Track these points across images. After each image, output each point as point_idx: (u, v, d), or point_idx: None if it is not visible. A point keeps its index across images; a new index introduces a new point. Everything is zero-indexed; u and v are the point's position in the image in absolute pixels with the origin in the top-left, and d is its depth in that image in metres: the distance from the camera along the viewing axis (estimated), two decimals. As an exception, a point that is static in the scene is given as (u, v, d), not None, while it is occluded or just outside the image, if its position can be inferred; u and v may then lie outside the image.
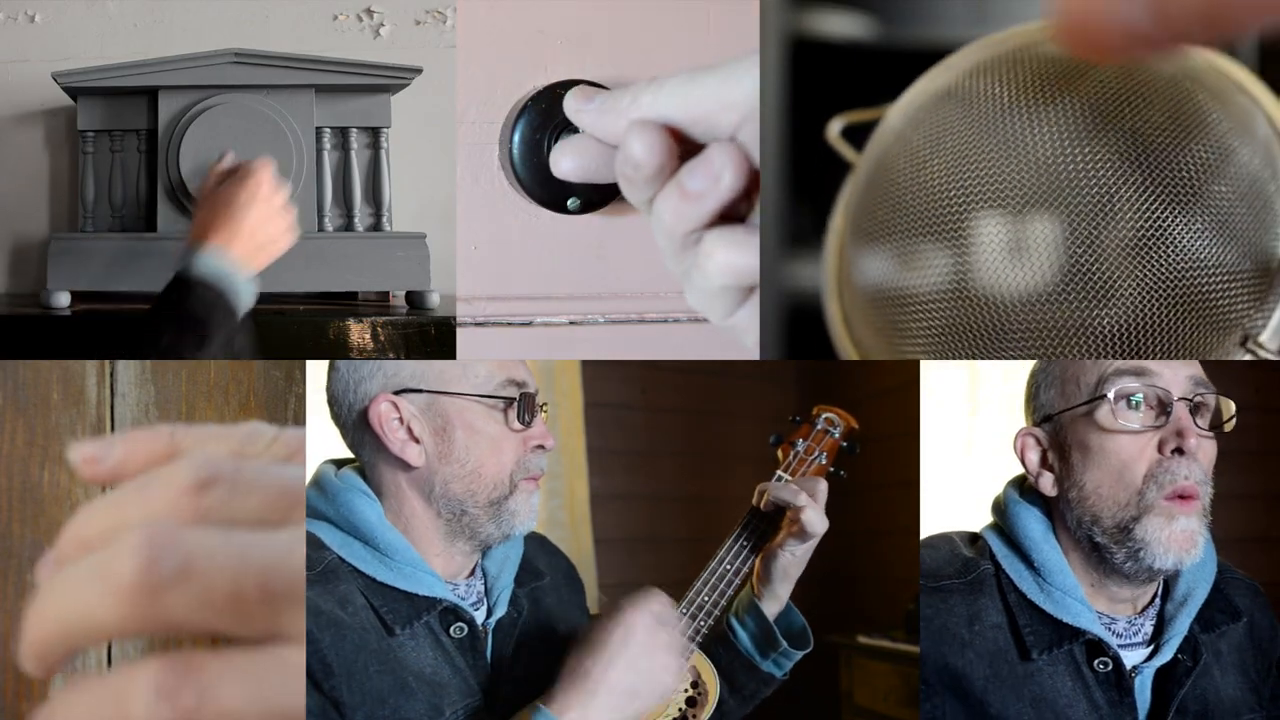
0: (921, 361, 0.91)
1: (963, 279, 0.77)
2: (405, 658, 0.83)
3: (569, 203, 1.00)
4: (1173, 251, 0.74)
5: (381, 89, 1.45)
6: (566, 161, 0.67)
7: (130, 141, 1.46)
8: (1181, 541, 0.82)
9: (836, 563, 1.38)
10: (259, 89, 1.40)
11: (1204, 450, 0.83)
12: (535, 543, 0.99)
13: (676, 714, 0.95)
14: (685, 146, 0.62)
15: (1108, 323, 0.75)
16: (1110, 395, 0.82)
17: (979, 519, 0.91)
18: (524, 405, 0.88)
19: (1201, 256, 0.75)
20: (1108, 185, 0.74)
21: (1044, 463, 0.87)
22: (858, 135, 0.92)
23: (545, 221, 1.02)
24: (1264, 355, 0.78)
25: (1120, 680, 0.83)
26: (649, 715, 0.90)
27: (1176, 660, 0.85)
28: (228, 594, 0.37)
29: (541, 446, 0.90)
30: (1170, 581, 0.87)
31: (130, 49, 1.56)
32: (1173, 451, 0.82)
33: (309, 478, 0.89)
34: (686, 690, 0.96)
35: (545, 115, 0.98)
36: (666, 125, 0.62)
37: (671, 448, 2.23)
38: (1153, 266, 0.74)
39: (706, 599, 0.95)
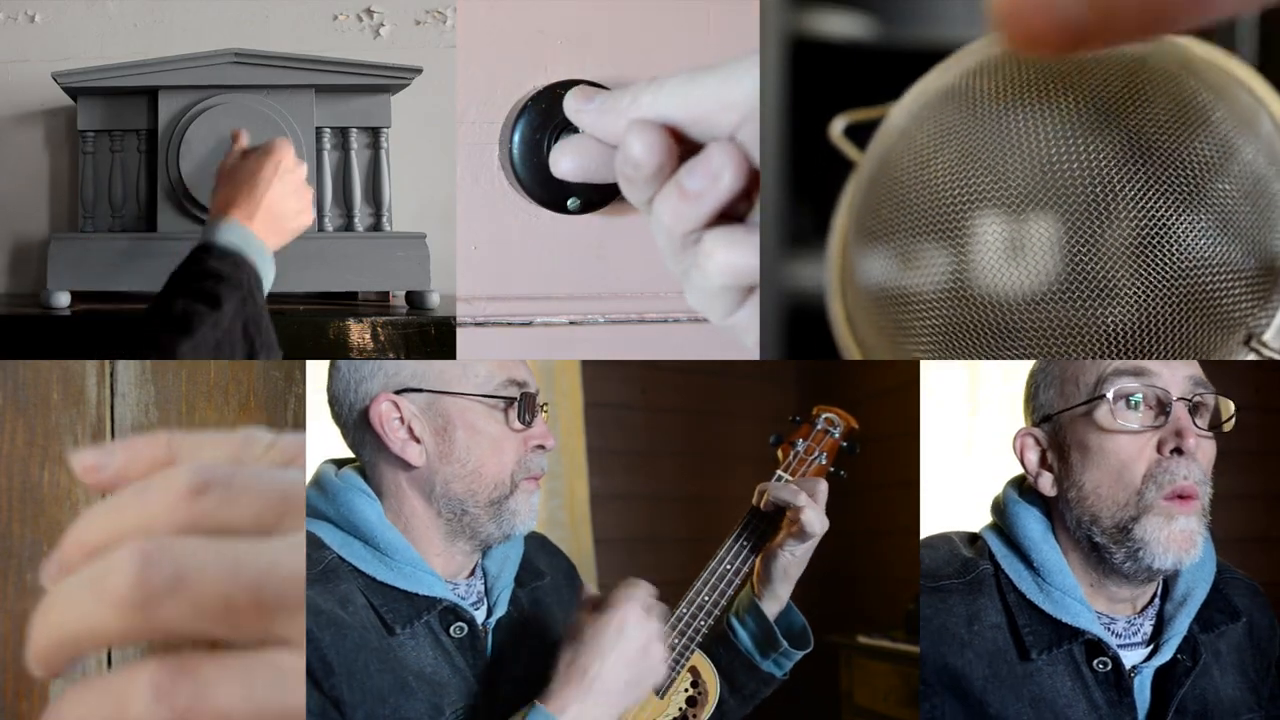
0: (921, 361, 0.91)
1: (967, 278, 0.77)
2: (405, 657, 0.83)
3: (569, 203, 1.00)
4: (1176, 250, 0.74)
5: (381, 89, 1.45)
6: (566, 161, 0.67)
7: (130, 141, 1.46)
8: (1181, 541, 0.82)
9: (836, 563, 1.38)
10: (259, 89, 1.40)
11: (1203, 450, 0.83)
12: (536, 543, 0.99)
13: (677, 714, 0.95)
14: (685, 146, 0.62)
15: (1111, 322, 0.75)
16: (1109, 395, 0.82)
17: (979, 519, 0.91)
18: (524, 405, 0.88)
19: (1205, 255, 0.75)
20: (1110, 184, 0.74)
21: (1043, 463, 0.87)
22: (859, 135, 0.92)
23: (545, 221, 1.02)
24: (1268, 354, 0.78)
25: (1119, 680, 0.83)
26: (649, 714, 0.90)
27: (1176, 660, 0.85)
28: (220, 603, 0.39)
29: (542, 446, 0.90)
30: (1169, 581, 0.87)
31: (130, 49, 1.55)
32: (1172, 451, 0.82)
33: (309, 477, 0.89)
34: (687, 690, 0.96)
35: (545, 115, 0.98)
36: (666, 125, 0.62)
37: (671, 448, 2.23)
38: (1156, 265, 0.74)
39: (706, 599, 0.95)
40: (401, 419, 0.86)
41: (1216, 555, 0.89)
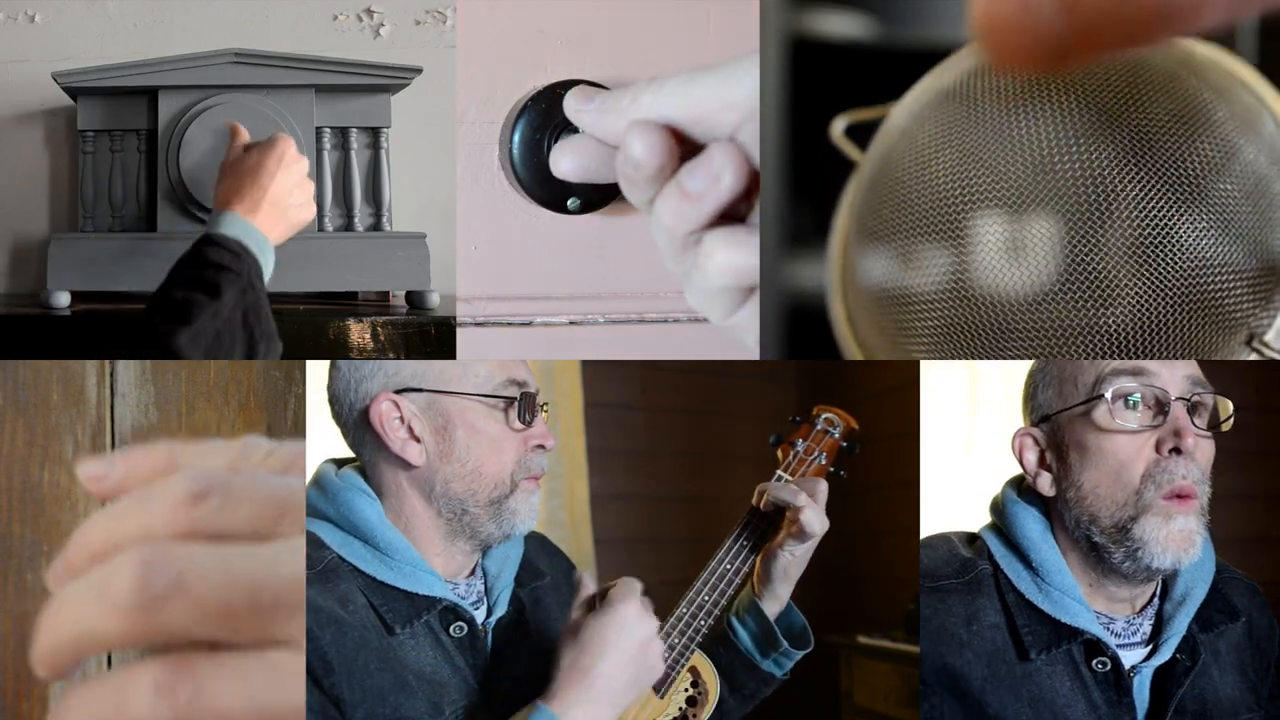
0: (921, 361, 0.91)
1: (968, 278, 0.77)
2: (405, 656, 0.83)
3: (569, 203, 1.00)
4: (1177, 250, 0.74)
5: (381, 89, 1.45)
6: (566, 161, 0.67)
7: (130, 141, 1.46)
8: (1179, 541, 0.82)
9: (836, 563, 1.38)
10: (259, 89, 1.40)
11: (1202, 450, 0.83)
12: (536, 542, 0.99)
13: (677, 713, 0.95)
14: (685, 147, 0.62)
15: (1112, 322, 0.75)
16: (1108, 395, 0.82)
17: (979, 519, 0.91)
18: (524, 405, 0.88)
19: (1206, 255, 0.75)
20: (1112, 184, 0.74)
21: (1042, 463, 0.87)
22: (860, 135, 0.92)
23: (545, 221, 1.02)
24: (1270, 354, 0.78)
25: (1119, 680, 0.83)
26: (650, 714, 0.90)
27: (1175, 660, 0.85)
28: (219, 606, 0.40)
29: (542, 446, 0.90)
30: (1168, 581, 0.87)
31: (130, 49, 1.55)
32: (1170, 451, 0.82)
33: (309, 477, 0.89)
34: (687, 689, 0.96)
35: (545, 115, 0.98)
36: (667, 125, 0.62)
37: (671, 448, 2.23)
38: (1157, 266, 0.74)
39: (706, 599, 0.95)
40: (401, 418, 0.87)
41: (1216, 555, 0.89)
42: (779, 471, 1.00)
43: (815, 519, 0.95)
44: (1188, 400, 0.82)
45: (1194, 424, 0.82)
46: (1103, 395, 0.82)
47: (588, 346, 1.05)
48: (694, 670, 0.96)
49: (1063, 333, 0.76)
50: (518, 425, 0.88)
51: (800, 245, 2.18)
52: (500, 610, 0.90)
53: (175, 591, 0.40)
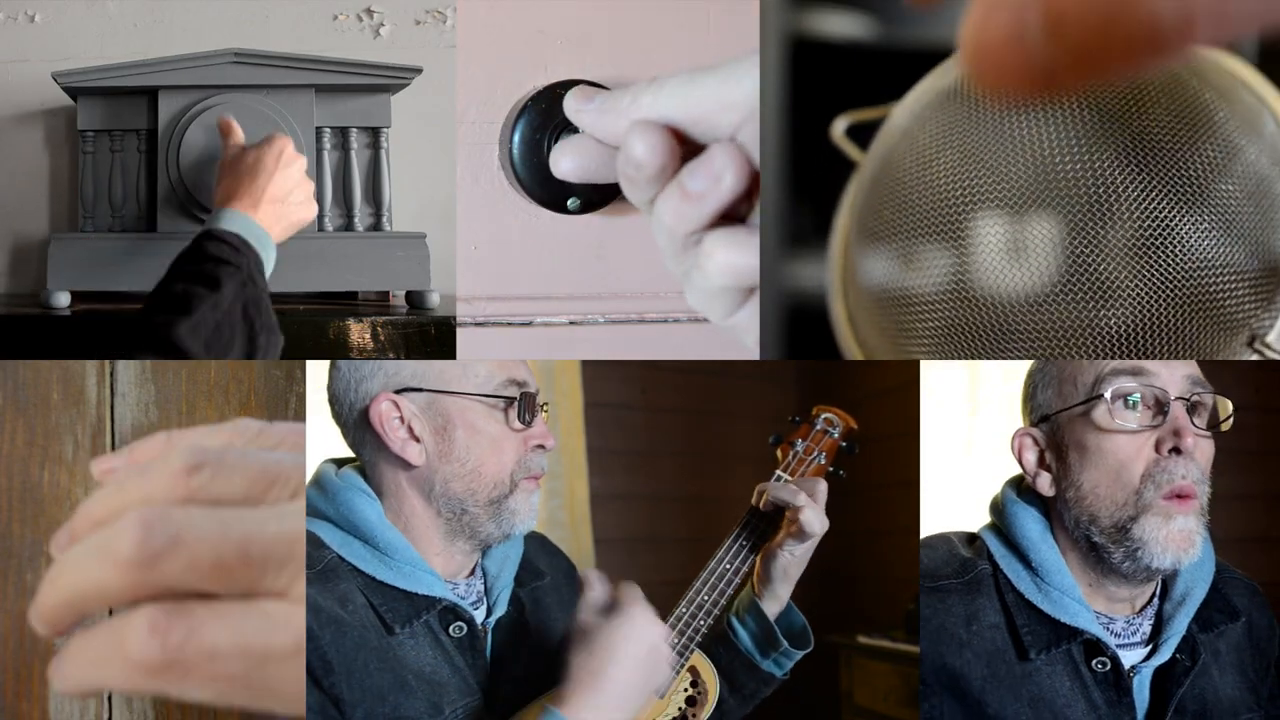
0: (921, 361, 0.91)
1: (969, 279, 0.77)
2: (405, 656, 0.83)
3: (569, 203, 1.00)
4: (1179, 251, 0.74)
5: (381, 89, 1.45)
6: (566, 161, 0.67)
7: (130, 141, 1.46)
8: (1179, 541, 0.82)
9: (836, 563, 1.38)
10: (259, 89, 1.40)
11: (1201, 450, 0.83)
12: (535, 542, 0.99)
13: (676, 713, 0.95)
14: (686, 147, 0.62)
15: (1114, 323, 0.75)
16: (1107, 395, 0.82)
17: (979, 519, 0.91)
18: (524, 405, 0.88)
19: (1208, 256, 0.75)
20: (1113, 185, 0.74)
21: (1041, 463, 0.87)
22: (861, 135, 0.92)
23: (545, 221, 1.02)
24: (1271, 355, 0.78)
25: (1118, 680, 0.83)
26: (650, 714, 0.90)
27: (1175, 660, 0.85)
28: (212, 560, 0.44)
29: (542, 446, 0.90)
30: (1168, 581, 0.87)
31: (130, 49, 1.55)
32: (1170, 451, 0.82)
33: (309, 477, 0.89)
34: (686, 689, 0.96)
35: (545, 115, 0.98)
36: (667, 125, 0.62)
37: (671, 448, 2.23)
38: (1158, 266, 0.74)
39: (706, 598, 0.95)
40: (401, 418, 0.87)
41: (1216, 555, 0.89)
42: (778, 471, 1.01)
43: (815, 519, 0.95)
44: (1187, 400, 0.82)
45: (1194, 424, 0.82)
46: (1102, 395, 0.82)
47: (588, 346, 1.05)
48: (693, 670, 0.97)
49: (1064, 333, 0.76)
50: (517, 425, 0.88)
51: (800, 245, 2.18)
52: (500, 610, 0.90)
53: (173, 547, 0.44)
